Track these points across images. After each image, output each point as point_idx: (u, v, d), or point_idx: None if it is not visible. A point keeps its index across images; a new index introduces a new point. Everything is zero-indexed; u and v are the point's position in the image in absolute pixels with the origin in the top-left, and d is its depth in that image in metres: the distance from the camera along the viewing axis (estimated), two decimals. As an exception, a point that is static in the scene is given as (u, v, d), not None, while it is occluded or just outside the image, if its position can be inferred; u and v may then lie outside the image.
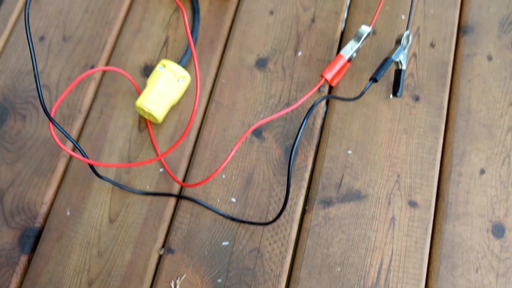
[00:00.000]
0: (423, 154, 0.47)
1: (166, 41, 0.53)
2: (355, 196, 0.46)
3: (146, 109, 0.46)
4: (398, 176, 0.47)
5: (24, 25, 0.55)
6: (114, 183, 0.46)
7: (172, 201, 0.47)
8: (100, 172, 0.48)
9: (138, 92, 0.50)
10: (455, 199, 0.46)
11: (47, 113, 0.40)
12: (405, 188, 0.46)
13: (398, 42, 0.48)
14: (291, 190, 0.46)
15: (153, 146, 0.48)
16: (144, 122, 0.50)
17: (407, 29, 0.49)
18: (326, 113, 0.50)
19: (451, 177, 0.47)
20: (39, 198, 0.47)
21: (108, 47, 0.53)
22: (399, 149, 0.48)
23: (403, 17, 0.53)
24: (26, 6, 0.37)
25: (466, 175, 0.47)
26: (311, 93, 0.47)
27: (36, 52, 0.53)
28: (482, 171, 0.47)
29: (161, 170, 0.47)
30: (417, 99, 0.50)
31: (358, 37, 0.48)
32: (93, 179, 0.48)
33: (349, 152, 0.48)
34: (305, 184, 0.47)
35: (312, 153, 0.48)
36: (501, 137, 0.48)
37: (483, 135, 0.48)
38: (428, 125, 0.49)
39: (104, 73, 0.52)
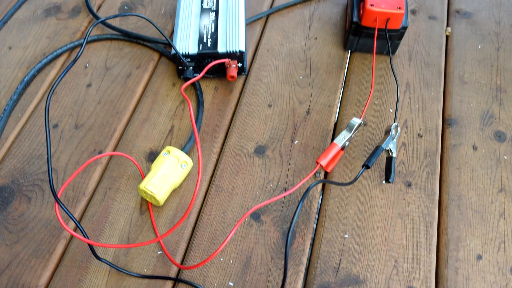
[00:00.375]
0: (418, 239, 0.48)
1: (171, 130, 0.57)
2: (354, 281, 0.46)
3: (149, 192, 0.48)
4: (396, 261, 0.47)
5: (39, 114, 0.59)
6: (111, 265, 0.46)
7: (169, 284, 0.46)
8: (98, 253, 0.48)
9: (142, 176, 0.52)
10: (455, 286, 0.45)
11: (55, 195, 0.42)
12: (404, 273, 0.46)
13: (388, 132, 0.51)
14: (289, 274, 0.46)
15: (153, 228, 0.49)
16: (145, 205, 0.51)
17: (395, 121, 0.53)
18: (322, 197, 0.52)
19: (449, 262, 0.47)
20: (34, 281, 0.46)
21: (117, 134, 0.57)
22: (395, 233, 0.48)
23: (391, 110, 0.58)
24: (47, 99, 0.41)
25: (463, 261, 0.47)
26: (307, 178, 0.50)
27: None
28: (479, 257, 0.47)
29: (159, 252, 0.48)
30: (409, 185, 0.52)
31: (350, 128, 0.52)
32: (91, 261, 0.47)
33: (346, 236, 0.48)
34: (303, 268, 0.47)
35: (309, 237, 0.49)
36: (494, 223, 0.49)
37: (476, 220, 0.49)
38: (421, 210, 0.50)
39: (110, 157, 0.55)
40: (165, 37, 0.53)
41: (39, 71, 0.63)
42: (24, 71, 0.63)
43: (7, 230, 0.49)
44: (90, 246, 0.45)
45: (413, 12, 0.68)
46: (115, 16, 0.50)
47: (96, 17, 0.68)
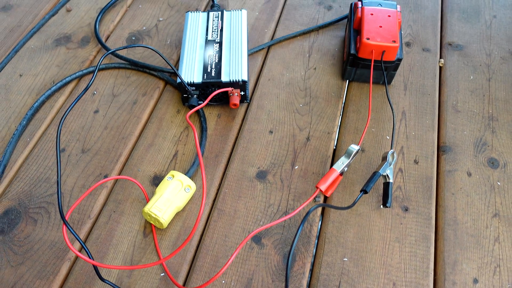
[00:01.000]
0: (416, 262, 0.49)
1: (175, 155, 0.59)
2: (353, 304, 0.46)
3: (153, 215, 0.49)
4: (394, 284, 0.48)
5: (47, 139, 0.61)
6: (115, 286, 0.47)
7: (171, 307, 0.47)
8: (102, 275, 0.49)
9: (147, 200, 0.54)
10: (453, 309, 0.46)
11: (63, 217, 0.43)
12: (402, 296, 0.47)
13: (384, 158, 0.53)
14: (289, 297, 0.47)
15: (156, 250, 0.50)
16: (149, 228, 0.52)
17: (391, 148, 0.55)
18: (322, 221, 0.53)
19: (446, 286, 0.47)
20: (38, 302, 0.47)
21: (122, 159, 0.59)
22: (393, 257, 0.50)
23: (388, 137, 0.60)
24: (58, 129, 0.43)
25: (460, 284, 0.48)
26: (307, 202, 0.51)
27: (56, 162, 0.58)
28: (475, 281, 0.48)
29: (162, 274, 0.49)
30: (406, 209, 0.53)
31: (348, 154, 0.53)
32: (94, 283, 0.48)
33: (345, 259, 0.49)
34: (303, 291, 0.48)
35: (309, 260, 0.50)
36: (489, 247, 0.50)
37: (471, 244, 0.50)
38: (418, 235, 0.51)
39: (116, 181, 0.57)
40: (170, 66, 0.56)
41: (48, 97, 0.65)
42: (33, 97, 0.65)
43: (12, 251, 0.50)
44: (95, 267, 0.45)
45: (408, 44, 0.71)
46: (124, 48, 0.53)
47: (105, 47, 0.71)
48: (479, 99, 0.64)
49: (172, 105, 0.64)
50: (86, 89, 0.49)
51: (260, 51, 0.71)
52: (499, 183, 0.56)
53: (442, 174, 0.57)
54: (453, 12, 0.76)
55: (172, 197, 0.51)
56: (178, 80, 0.59)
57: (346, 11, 0.77)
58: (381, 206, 0.52)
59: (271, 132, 0.61)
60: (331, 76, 0.67)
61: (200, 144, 0.59)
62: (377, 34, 0.59)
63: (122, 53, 0.71)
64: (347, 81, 0.67)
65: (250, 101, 0.65)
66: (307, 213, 0.43)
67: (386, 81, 0.60)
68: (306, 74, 0.68)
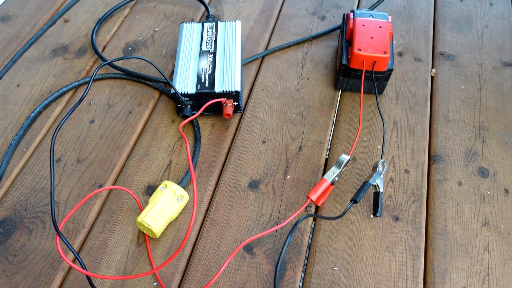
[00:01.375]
0: (406, 271, 0.50)
1: (169, 164, 0.60)
2: (343, 313, 0.47)
3: (146, 225, 0.50)
4: (384, 293, 0.48)
5: (44, 149, 0.62)
6: (108, 296, 0.47)
7: (163, 316, 0.47)
8: (95, 284, 0.49)
9: (140, 209, 0.54)
10: (441, 318, 0.47)
11: (56, 228, 0.44)
12: (392, 306, 0.47)
13: (375, 168, 0.54)
14: (280, 306, 0.47)
15: (149, 260, 0.51)
16: (142, 237, 0.53)
17: (381, 158, 0.56)
18: (313, 231, 0.54)
19: (435, 295, 0.48)
20: (32, 312, 0.48)
21: (117, 168, 0.59)
22: (383, 266, 0.50)
23: (379, 147, 0.61)
24: (52, 139, 0.44)
25: (449, 294, 0.48)
26: (298, 211, 0.52)
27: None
28: (464, 290, 0.48)
29: (154, 284, 0.49)
30: (396, 219, 0.54)
31: (339, 164, 0.54)
32: (88, 292, 0.49)
33: (336, 268, 0.50)
34: (294, 300, 0.48)
35: (300, 269, 0.50)
36: (478, 256, 0.51)
37: (461, 254, 0.51)
38: (409, 244, 0.52)
39: (110, 191, 0.57)
40: (165, 77, 0.57)
41: (45, 107, 0.66)
42: (30, 107, 0.66)
43: (7, 261, 0.51)
44: (88, 278, 0.46)
45: (400, 54, 0.72)
46: (119, 59, 0.54)
47: (102, 58, 0.72)
48: (470, 109, 0.65)
49: (167, 115, 0.65)
50: (80, 100, 0.50)
51: (254, 61, 0.72)
52: (488, 193, 0.56)
53: (432, 184, 0.57)
54: (445, 22, 0.77)
55: (165, 207, 0.52)
56: (172, 91, 0.60)
57: (339, 21, 0.78)
58: (372, 216, 0.53)
59: (264, 141, 0.62)
60: (324, 86, 0.68)
61: (194, 154, 0.60)
62: (368, 45, 0.60)
63: (118, 63, 0.72)
64: (340, 91, 0.68)
65: (243, 110, 0.65)
66: (296, 224, 0.44)
67: (376, 92, 0.61)
68: (299, 84, 0.69)
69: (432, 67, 0.71)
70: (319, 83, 0.69)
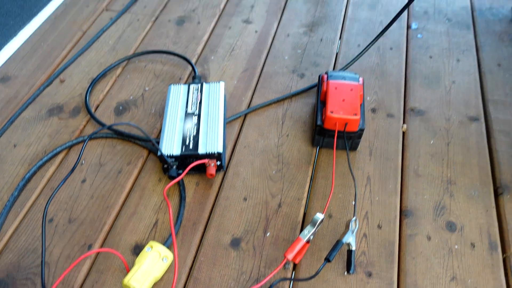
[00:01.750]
0: (377, 328, 0.53)
1: (156, 223, 0.63)
2: None
3: (131, 287, 0.53)
4: None
5: (37, 209, 0.65)
6: None
7: None
8: None
9: (127, 270, 0.57)
10: None
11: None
12: None
13: (347, 226, 0.58)
14: None
15: (135, 320, 0.53)
16: (129, 297, 0.56)
17: (354, 215, 0.59)
18: (290, 288, 0.57)
19: None
20: None
21: (106, 228, 0.63)
22: (355, 323, 0.53)
23: (353, 203, 0.65)
24: (46, 206, 0.48)
25: None
26: (276, 270, 0.55)
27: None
28: None
29: None
30: (370, 275, 0.57)
31: (313, 223, 0.58)
32: None
33: (311, 326, 0.53)
34: None
35: (277, 327, 0.53)
36: (445, 311, 0.54)
37: (429, 309, 0.54)
38: (380, 300, 0.55)
39: (99, 252, 0.60)
40: (151, 141, 0.61)
41: (39, 168, 0.70)
42: (26, 167, 0.70)
43: (0, 323, 0.54)
44: None
45: (373, 110, 0.77)
46: (112, 125, 0.58)
47: (94, 118, 0.76)
48: (438, 163, 0.69)
49: (154, 173, 0.69)
50: (72, 170, 0.54)
51: (237, 119, 0.77)
52: (456, 247, 0.60)
53: (404, 238, 0.61)
54: (416, 78, 0.83)
55: (150, 268, 0.55)
56: (159, 153, 0.64)
57: (316, 79, 0.83)
58: (345, 273, 0.56)
59: (245, 199, 0.65)
60: (302, 142, 0.73)
61: (179, 213, 0.63)
62: (340, 108, 0.65)
63: (109, 123, 0.76)
64: (317, 147, 0.72)
65: (226, 168, 0.70)
66: (270, 286, 0.47)
67: (348, 151, 0.65)
68: (279, 141, 0.73)
69: (404, 123, 0.76)
70: (298, 140, 0.73)
